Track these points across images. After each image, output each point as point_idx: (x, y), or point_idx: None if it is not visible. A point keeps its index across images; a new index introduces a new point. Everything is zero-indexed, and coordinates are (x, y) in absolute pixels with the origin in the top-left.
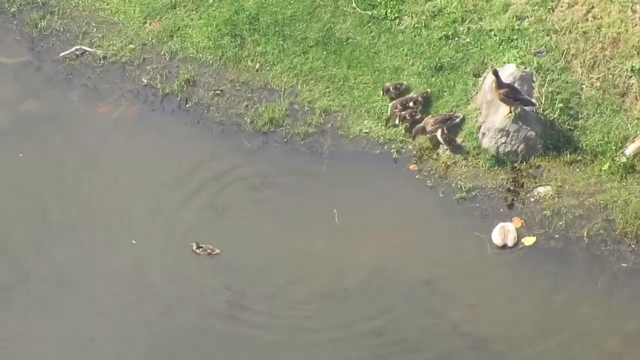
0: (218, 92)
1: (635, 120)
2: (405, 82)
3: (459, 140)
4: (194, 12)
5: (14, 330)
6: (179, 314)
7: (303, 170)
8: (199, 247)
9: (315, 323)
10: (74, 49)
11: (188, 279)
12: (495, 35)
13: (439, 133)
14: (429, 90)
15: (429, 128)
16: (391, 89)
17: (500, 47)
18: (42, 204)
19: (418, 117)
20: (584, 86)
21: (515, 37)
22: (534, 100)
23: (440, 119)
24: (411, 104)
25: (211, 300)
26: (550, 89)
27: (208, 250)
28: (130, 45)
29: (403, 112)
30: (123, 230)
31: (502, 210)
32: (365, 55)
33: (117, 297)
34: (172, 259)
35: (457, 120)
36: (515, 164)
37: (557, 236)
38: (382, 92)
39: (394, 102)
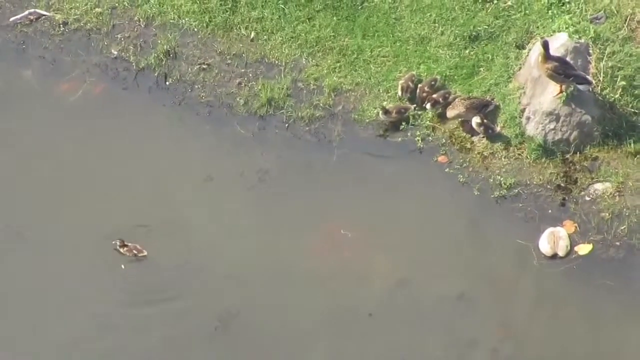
0: (204, 66)
1: None
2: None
3: (498, 127)
4: None
5: None
6: None
7: (308, 162)
8: (124, 246)
9: (330, 349)
10: (27, 12)
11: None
12: None
13: (475, 121)
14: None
15: (462, 109)
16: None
17: (549, 12)
18: None
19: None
20: None
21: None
22: (589, 78)
23: (473, 104)
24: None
25: (198, 317)
26: (610, 64)
27: (134, 251)
28: (96, 9)
29: (435, 96)
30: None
31: (550, 211)
32: (385, 22)
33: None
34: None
35: (492, 107)
36: (567, 155)
37: (618, 243)
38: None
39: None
